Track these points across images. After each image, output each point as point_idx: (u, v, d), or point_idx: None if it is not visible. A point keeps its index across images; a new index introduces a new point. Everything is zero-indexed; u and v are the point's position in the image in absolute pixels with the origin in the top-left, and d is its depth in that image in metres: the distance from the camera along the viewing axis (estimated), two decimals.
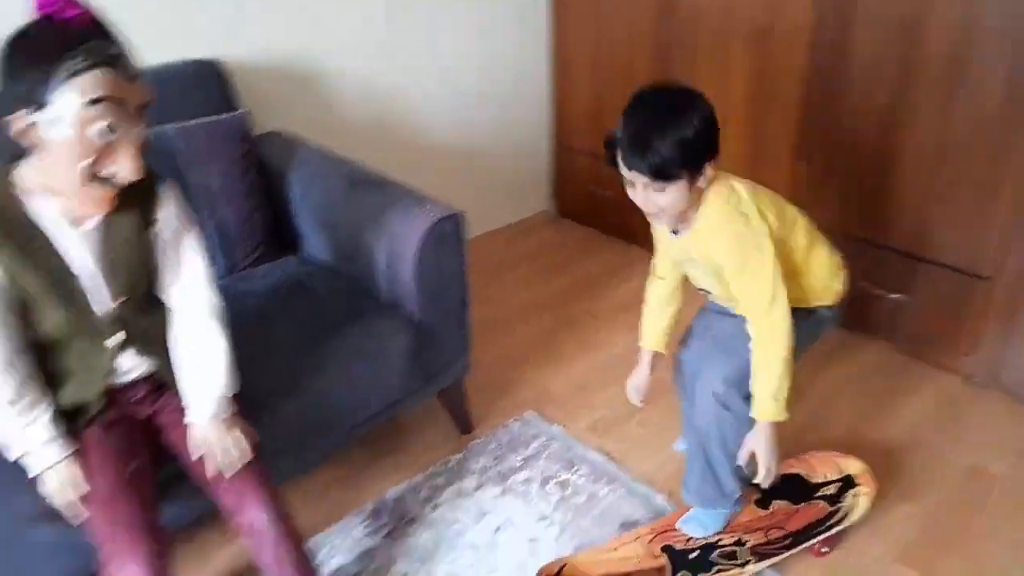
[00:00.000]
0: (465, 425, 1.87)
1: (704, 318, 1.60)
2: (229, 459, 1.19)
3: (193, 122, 1.64)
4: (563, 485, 1.71)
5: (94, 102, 0.97)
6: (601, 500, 1.67)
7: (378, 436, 1.85)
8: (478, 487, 1.71)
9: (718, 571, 1.45)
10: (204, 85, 1.76)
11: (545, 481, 1.73)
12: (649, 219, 1.35)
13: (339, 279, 1.71)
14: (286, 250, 1.82)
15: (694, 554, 1.48)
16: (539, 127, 2.94)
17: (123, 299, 1.18)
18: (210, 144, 1.63)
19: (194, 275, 1.25)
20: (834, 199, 2.15)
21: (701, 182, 1.25)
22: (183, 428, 1.23)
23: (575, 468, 1.76)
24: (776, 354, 1.29)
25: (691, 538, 1.51)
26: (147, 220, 1.18)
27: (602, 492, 1.69)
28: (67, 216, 1.11)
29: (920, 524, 1.61)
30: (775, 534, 1.51)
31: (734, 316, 1.43)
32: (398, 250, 1.57)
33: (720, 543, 1.50)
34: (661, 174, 1.21)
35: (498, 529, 1.61)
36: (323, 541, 1.58)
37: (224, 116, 1.69)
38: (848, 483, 1.58)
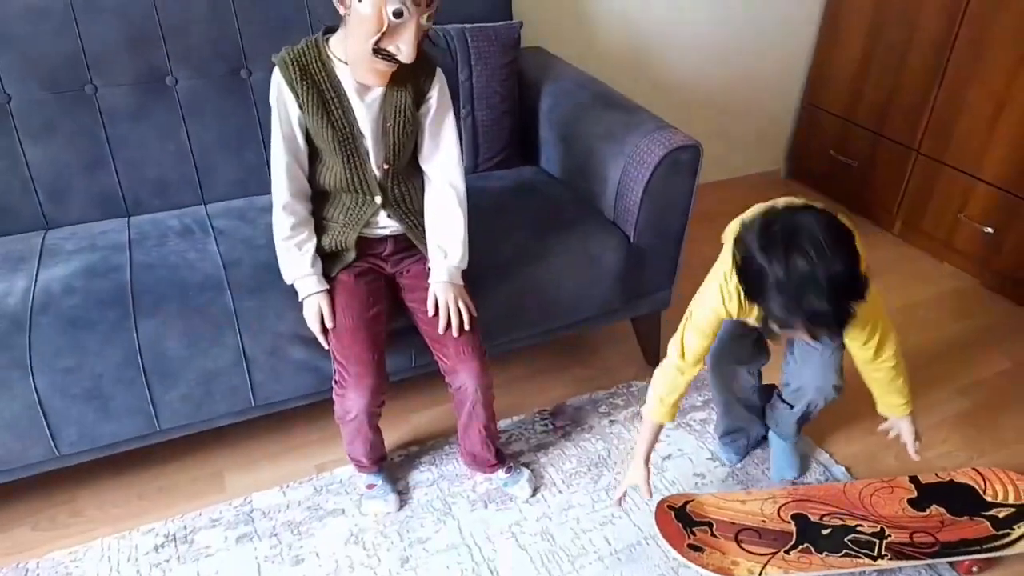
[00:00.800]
0: (653, 357, 1.93)
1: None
2: (456, 320, 1.36)
3: (471, 25, 1.78)
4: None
5: None
6: (769, 454, 1.67)
7: (573, 344, 1.97)
8: None
9: (846, 555, 1.35)
10: None
11: None
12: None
13: (569, 191, 1.81)
14: (527, 160, 1.95)
15: (827, 531, 1.40)
16: (792, 83, 2.81)
17: (389, 165, 1.37)
18: (481, 48, 1.77)
19: (448, 156, 1.42)
20: None
21: None
22: (421, 290, 1.41)
23: None
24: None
25: (828, 514, 1.44)
26: (419, 99, 1.36)
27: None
28: (357, 85, 1.30)
29: None
30: (922, 538, 1.40)
31: None
32: (632, 170, 1.62)
33: (859, 528, 1.41)
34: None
35: (668, 456, 1.67)
36: (507, 427, 1.74)
37: (499, 24, 1.82)
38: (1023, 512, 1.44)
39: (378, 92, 1.32)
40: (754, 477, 1.63)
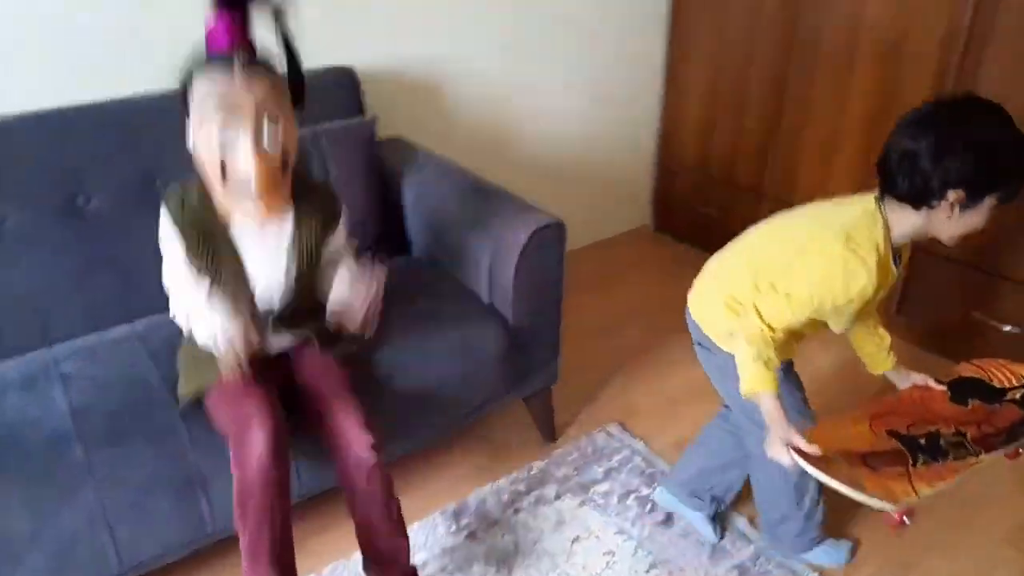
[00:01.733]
0: (549, 433, 1.92)
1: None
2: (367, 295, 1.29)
3: (324, 126, 1.77)
4: (643, 501, 1.73)
5: (206, 110, 1.10)
6: (680, 519, 1.68)
7: (464, 435, 1.93)
8: (558, 496, 1.75)
9: (956, 458, 1.32)
10: (337, 91, 1.89)
11: (625, 495, 1.75)
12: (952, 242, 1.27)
13: (444, 280, 1.80)
14: (398, 251, 1.93)
15: (923, 440, 1.36)
16: (646, 143, 2.95)
17: (292, 299, 1.33)
18: (337, 148, 1.75)
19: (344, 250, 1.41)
20: None
21: None
22: (313, 367, 1.37)
23: (656, 485, 1.77)
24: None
25: (912, 423, 1.39)
26: (326, 229, 1.34)
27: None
28: (246, 223, 1.24)
29: None
30: (987, 429, 1.43)
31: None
32: (500, 255, 1.64)
33: (941, 432, 1.39)
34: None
35: (576, 539, 1.65)
36: (408, 535, 1.65)
37: (354, 121, 1.81)
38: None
39: (284, 232, 1.28)
40: (662, 546, 1.63)
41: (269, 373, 1.34)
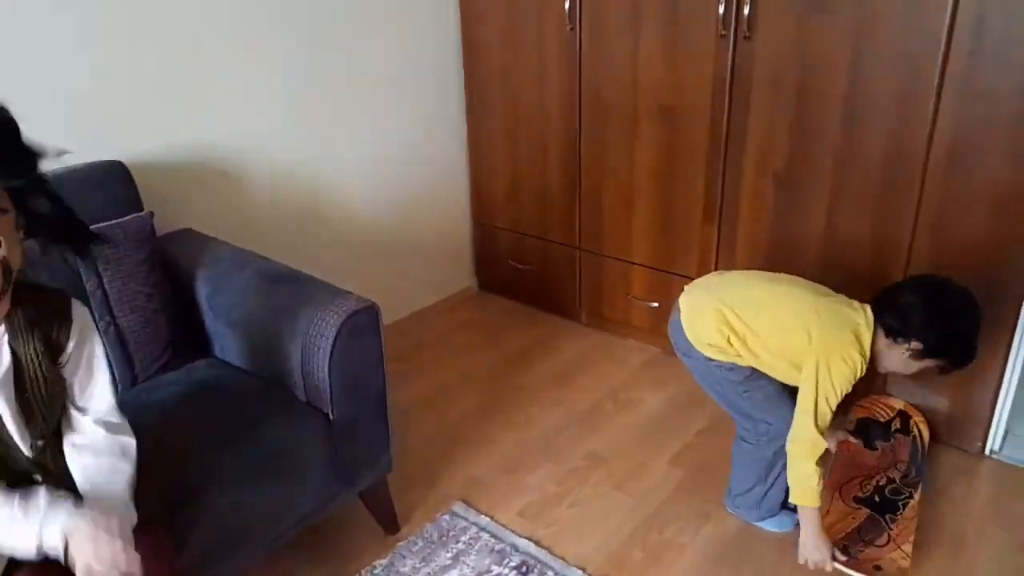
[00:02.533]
0: (391, 524, 1.80)
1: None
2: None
3: (92, 227, 1.57)
4: None
5: None
6: None
7: (299, 543, 1.75)
8: None
9: (903, 504, 1.76)
10: (108, 187, 1.70)
11: None
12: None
13: (252, 379, 1.65)
14: (197, 353, 1.75)
15: (877, 498, 1.78)
16: (459, 207, 2.97)
17: (42, 438, 1.10)
18: (111, 248, 1.56)
19: (101, 405, 1.18)
20: (743, 253, 2.25)
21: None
22: None
23: (507, 561, 1.70)
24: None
25: (864, 484, 1.83)
26: (55, 353, 1.11)
27: None
28: None
29: None
30: (902, 467, 1.87)
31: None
32: (312, 346, 1.52)
33: (880, 484, 1.83)
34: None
35: None
36: None
37: (126, 218, 1.63)
38: (904, 416, 2.01)
39: (2, 358, 1.05)
40: None
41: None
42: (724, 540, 1.77)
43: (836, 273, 2.05)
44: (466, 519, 1.84)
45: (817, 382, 1.52)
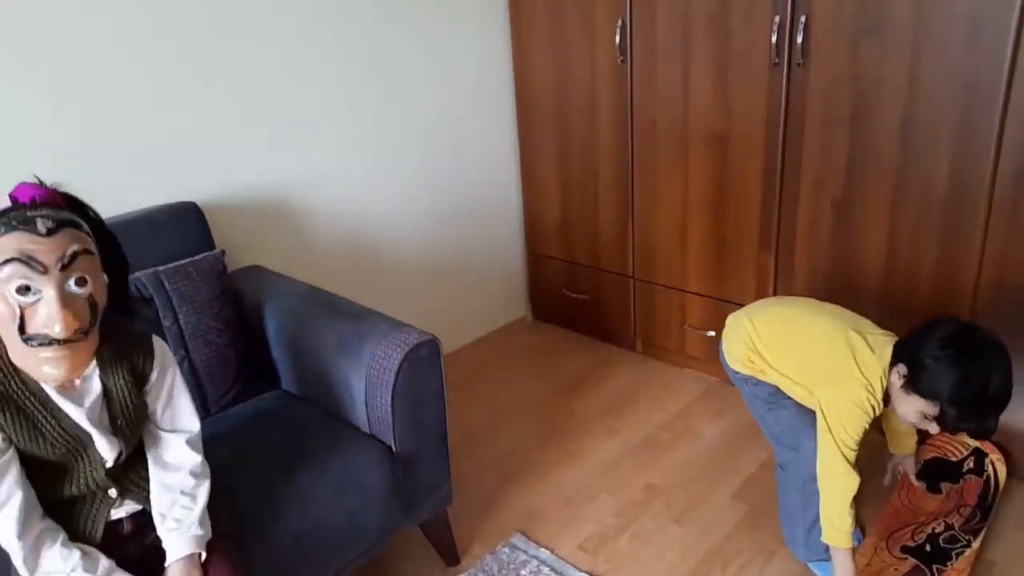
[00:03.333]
0: (451, 556, 1.81)
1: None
2: None
3: (167, 266, 1.65)
4: None
5: (3, 263, 0.99)
6: None
7: (362, 573, 1.78)
8: None
9: (956, 554, 1.67)
10: (182, 227, 1.79)
11: None
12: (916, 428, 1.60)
13: (316, 411, 1.69)
14: (264, 385, 1.81)
15: (929, 547, 1.70)
16: (512, 237, 3.00)
17: (120, 456, 1.18)
18: (182, 288, 1.64)
19: (185, 434, 1.26)
20: (801, 282, 2.22)
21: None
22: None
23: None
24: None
25: (917, 532, 1.74)
26: (140, 380, 1.20)
27: None
28: (53, 382, 1.10)
29: None
30: (965, 511, 1.78)
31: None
32: (375, 379, 1.56)
33: (936, 531, 1.74)
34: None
35: None
36: None
37: (198, 257, 1.71)
38: (979, 454, 1.91)
39: (93, 387, 1.14)
40: None
41: (126, 568, 1.18)
42: (791, 573, 1.72)
43: (897, 304, 2.01)
44: (526, 552, 1.84)
45: (827, 418, 1.50)
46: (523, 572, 1.77)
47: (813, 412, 1.59)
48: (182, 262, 1.67)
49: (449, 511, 1.80)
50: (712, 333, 2.48)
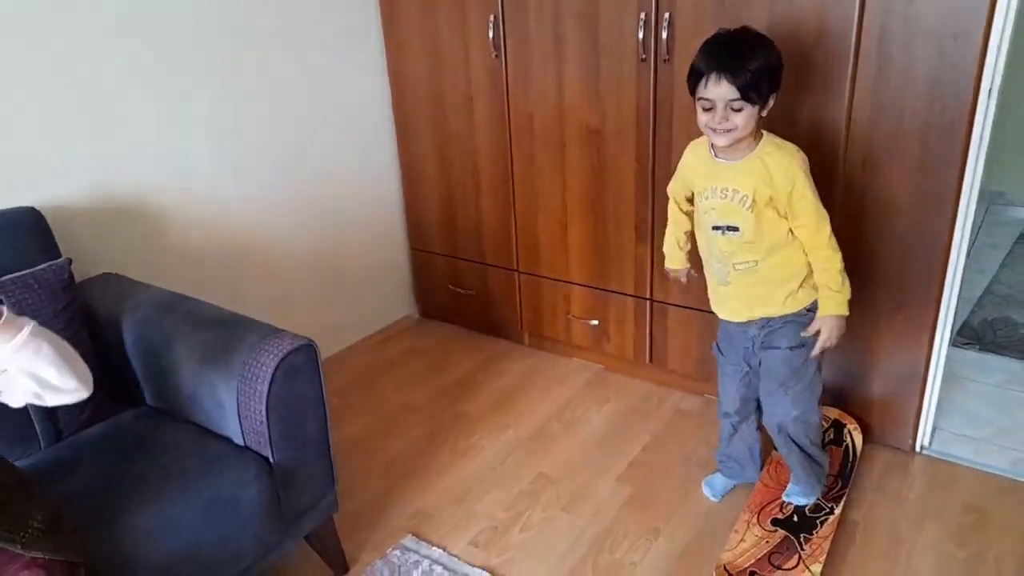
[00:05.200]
0: (340, 565, 1.76)
1: (734, 362, 1.81)
2: None
3: (3, 278, 1.50)
4: None
5: None
6: None
7: None
8: None
9: (820, 522, 1.77)
10: (19, 235, 1.62)
11: None
12: (714, 139, 1.54)
13: (186, 427, 1.59)
14: (125, 403, 1.68)
15: (796, 518, 1.79)
16: (395, 235, 2.95)
17: None
18: (23, 301, 1.49)
19: None
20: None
21: (764, 112, 1.50)
22: None
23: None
24: (833, 263, 1.57)
25: (785, 505, 1.83)
26: None
27: None
28: None
29: None
30: (828, 481, 1.89)
31: (772, 351, 1.70)
32: (247, 390, 1.48)
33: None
34: (748, 90, 1.43)
35: None
36: None
37: (39, 268, 1.56)
38: (838, 426, 2.07)
39: None
40: None
41: None
42: (674, 555, 1.78)
43: None
44: (417, 552, 1.81)
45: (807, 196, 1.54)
46: (415, 573, 1.74)
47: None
48: (21, 273, 1.52)
49: (336, 520, 1.74)
50: (596, 322, 2.54)
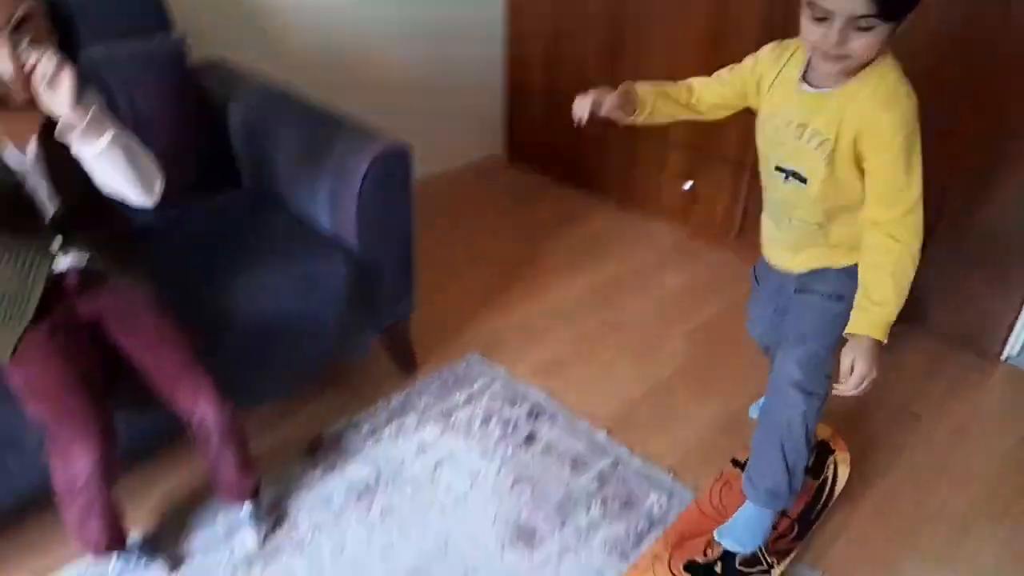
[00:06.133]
0: (408, 365, 1.87)
1: (768, 294, 1.49)
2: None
3: (124, 44, 1.56)
4: (505, 423, 1.73)
5: None
6: (542, 437, 1.70)
7: (322, 373, 1.84)
8: (420, 424, 1.72)
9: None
10: (136, 5, 1.67)
11: (487, 419, 1.74)
12: (822, 64, 1.13)
13: (279, 213, 1.68)
14: (225, 185, 1.77)
15: (720, 567, 1.37)
16: (493, 69, 2.89)
17: (62, 205, 1.17)
18: (142, 69, 1.56)
19: None
20: None
21: (889, 40, 1.07)
22: (128, 319, 1.26)
23: (517, 406, 1.78)
24: (896, 258, 1.13)
25: (714, 545, 1.39)
26: None
27: (543, 429, 1.72)
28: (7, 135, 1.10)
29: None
30: (782, 526, 1.43)
31: (805, 295, 1.32)
32: (342, 183, 1.54)
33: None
34: (884, 8, 1.01)
35: (438, 464, 1.62)
36: (265, 475, 1.57)
37: (157, 40, 1.62)
38: (824, 451, 1.57)
39: (31, 147, 1.13)
40: (524, 463, 1.63)
41: (73, 335, 1.22)
42: (726, 416, 1.80)
43: None
44: (481, 368, 1.90)
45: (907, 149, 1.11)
46: (477, 383, 1.84)
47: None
48: (140, 42, 1.58)
49: (409, 326, 1.84)
50: (690, 184, 2.47)
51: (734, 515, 1.39)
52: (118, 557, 1.32)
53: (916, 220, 1.14)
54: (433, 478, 1.59)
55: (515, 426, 1.72)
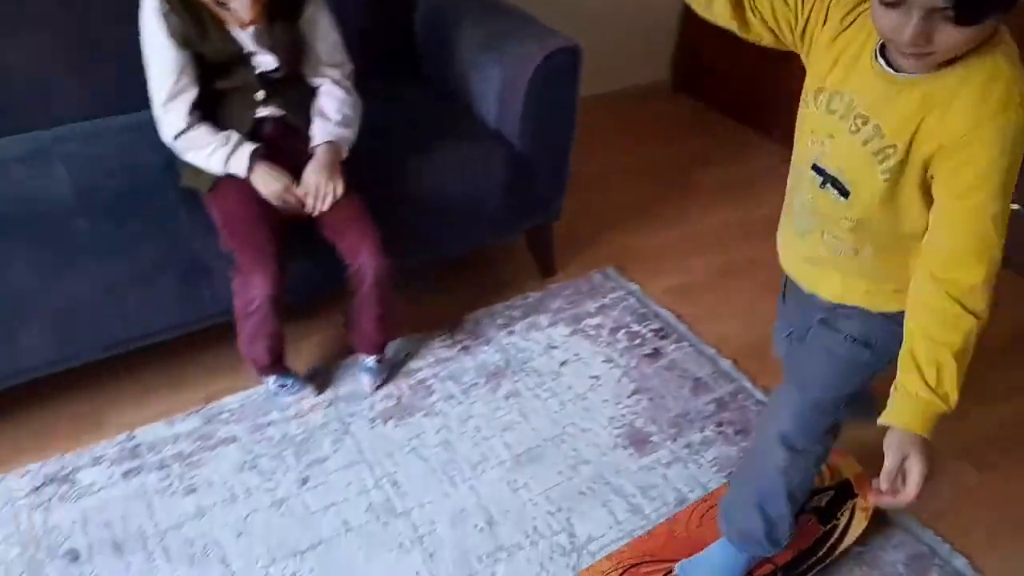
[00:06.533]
0: (548, 269, 1.95)
1: (785, 315, 1.28)
2: (322, 197, 1.37)
3: None
4: (632, 335, 1.78)
5: None
6: (667, 354, 1.73)
7: (467, 262, 1.95)
8: (551, 324, 1.80)
9: None
10: None
11: (616, 329, 1.80)
12: (900, 58, 0.82)
13: (450, 101, 1.76)
14: (403, 72, 1.87)
15: None
16: None
17: (276, 72, 1.36)
18: None
19: (335, 68, 1.44)
20: None
21: (989, 30, 0.77)
22: None
23: (646, 322, 1.82)
24: (970, 340, 0.83)
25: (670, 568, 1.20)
26: (295, 18, 1.36)
27: (669, 348, 1.75)
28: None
29: None
30: (763, 571, 1.19)
31: (827, 331, 1.07)
32: (511, 76, 1.59)
33: None
34: (971, 9, 0.73)
35: (564, 363, 1.70)
36: (403, 346, 1.71)
37: None
38: (844, 493, 1.30)
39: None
40: (646, 376, 1.68)
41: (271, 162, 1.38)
42: None
43: None
44: (616, 281, 1.95)
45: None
46: (610, 296, 1.89)
47: None
48: None
49: (553, 232, 1.90)
50: None
51: (705, 550, 1.19)
52: (276, 379, 1.53)
53: (992, 284, 0.83)
54: (558, 374, 1.67)
55: (642, 340, 1.77)
